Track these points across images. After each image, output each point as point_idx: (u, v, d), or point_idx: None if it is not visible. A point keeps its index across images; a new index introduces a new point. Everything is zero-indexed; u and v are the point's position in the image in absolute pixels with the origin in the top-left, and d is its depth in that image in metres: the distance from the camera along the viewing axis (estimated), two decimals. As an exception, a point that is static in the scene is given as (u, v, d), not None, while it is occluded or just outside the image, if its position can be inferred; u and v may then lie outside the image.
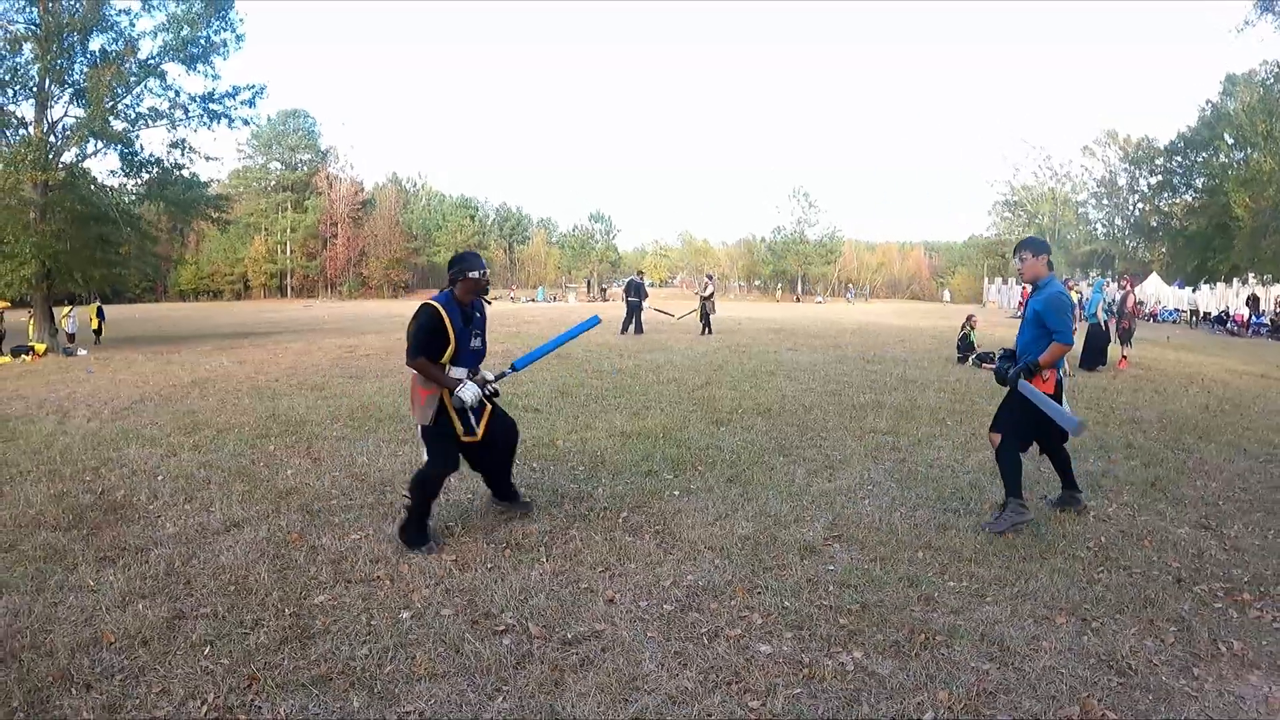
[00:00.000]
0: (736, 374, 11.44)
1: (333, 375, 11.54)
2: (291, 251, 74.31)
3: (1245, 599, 3.67)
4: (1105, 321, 13.99)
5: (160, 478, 5.69)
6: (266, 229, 73.69)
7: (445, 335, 4.23)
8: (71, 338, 20.35)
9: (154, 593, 3.63)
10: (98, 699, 2.75)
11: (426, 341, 4.21)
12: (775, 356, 14.17)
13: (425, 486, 4.28)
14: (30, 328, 19.44)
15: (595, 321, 5.12)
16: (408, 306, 49.46)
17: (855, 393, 9.59)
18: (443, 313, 4.22)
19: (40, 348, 17.26)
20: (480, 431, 4.46)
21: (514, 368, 4.75)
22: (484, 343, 4.50)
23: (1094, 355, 13.34)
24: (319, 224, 73.99)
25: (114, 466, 6.03)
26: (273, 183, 75.58)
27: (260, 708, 2.68)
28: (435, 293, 4.37)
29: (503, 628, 3.26)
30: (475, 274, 4.33)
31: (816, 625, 3.36)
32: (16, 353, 16.54)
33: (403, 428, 7.35)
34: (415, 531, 4.26)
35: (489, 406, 4.54)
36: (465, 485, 5.31)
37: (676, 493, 5.25)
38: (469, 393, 4.21)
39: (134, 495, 5.24)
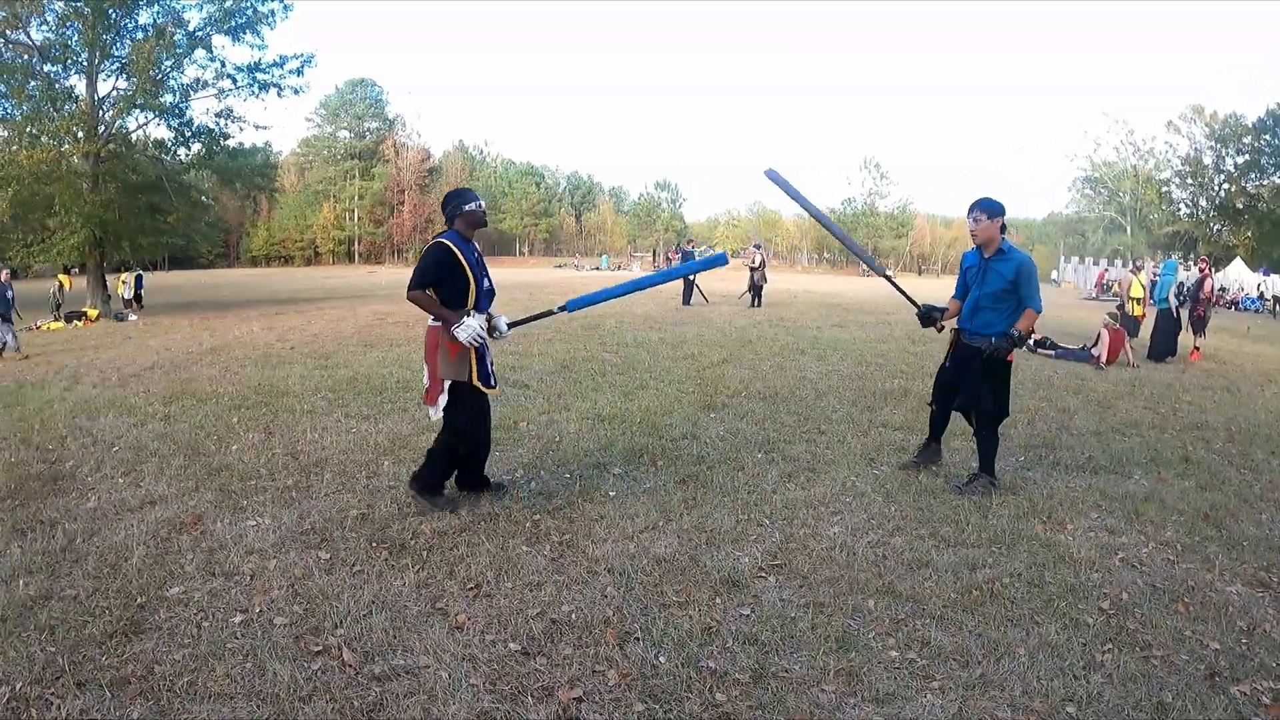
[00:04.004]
0: (762, 351, 10.81)
1: (347, 344, 11.52)
2: (359, 218, 76.06)
3: (1302, 712, 2.58)
4: (1176, 308, 12.63)
5: (115, 448, 5.65)
6: (335, 196, 75.54)
7: (461, 271, 4.16)
8: (128, 303, 21.19)
9: (41, 569, 3.54)
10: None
11: (434, 277, 4.16)
12: (814, 333, 13.43)
13: (459, 445, 4.32)
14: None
15: (722, 259, 4.93)
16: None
17: (883, 378, 8.80)
18: (454, 248, 4.16)
19: (93, 313, 18.01)
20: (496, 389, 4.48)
21: (565, 308, 4.62)
22: (492, 284, 4.46)
23: (1163, 345, 12.06)
24: (386, 191, 75.45)
25: (80, 435, 6.04)
26: (341, 151, 77.22)
27: (51, 703, 2.53)
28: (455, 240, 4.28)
29: (319, 648, 2.89)
30: (472, 206, 4.32)
31: (681, 698, 2.64)
32: (70, 319, 17.30)
33: (376, 401, 7.19)
34: (429, 486, 4.33)
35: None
36: (391, 470, 5.07)
37: (612, 493, 4.63)
38: (470, 326, 4.08)
39: (80, 466, 5.21)
